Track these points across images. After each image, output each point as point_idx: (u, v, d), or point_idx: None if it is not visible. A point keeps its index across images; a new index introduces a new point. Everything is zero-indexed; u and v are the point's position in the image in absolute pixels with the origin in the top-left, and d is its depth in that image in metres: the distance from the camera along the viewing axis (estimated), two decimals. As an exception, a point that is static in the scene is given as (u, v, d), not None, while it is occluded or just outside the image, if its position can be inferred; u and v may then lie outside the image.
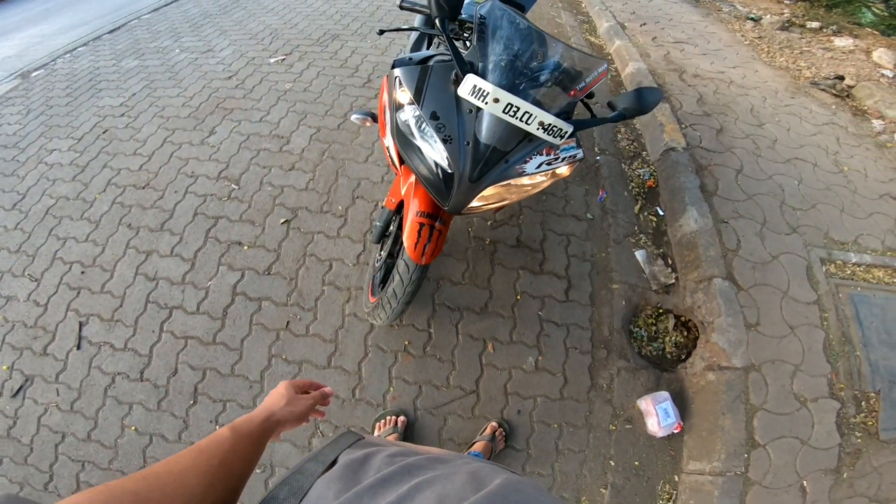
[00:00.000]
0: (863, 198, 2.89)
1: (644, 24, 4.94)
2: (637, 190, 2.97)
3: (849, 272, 2.48)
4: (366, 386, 2.06)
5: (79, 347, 2.18)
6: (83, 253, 2.54)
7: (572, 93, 1.47)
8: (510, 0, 2.61)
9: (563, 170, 1.53)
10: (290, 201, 2.74)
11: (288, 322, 2.22)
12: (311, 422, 1.87)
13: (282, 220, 2.63)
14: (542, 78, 1.42)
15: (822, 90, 4.11)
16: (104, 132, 3.43)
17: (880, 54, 4.98)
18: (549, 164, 1.48)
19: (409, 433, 1.96)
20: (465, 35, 1.99)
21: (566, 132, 1.37)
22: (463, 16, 1.74)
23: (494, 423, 1.95)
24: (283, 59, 4.19)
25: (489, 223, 2.65)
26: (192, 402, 2.03)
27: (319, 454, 0.68)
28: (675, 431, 1.97)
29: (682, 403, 2.08)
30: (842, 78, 4.29)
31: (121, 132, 3.40)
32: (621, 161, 3.19)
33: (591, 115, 1.68)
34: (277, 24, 4.99)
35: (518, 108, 1.30)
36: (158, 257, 2.48)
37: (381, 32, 1.92)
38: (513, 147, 1.42)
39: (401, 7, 1.88)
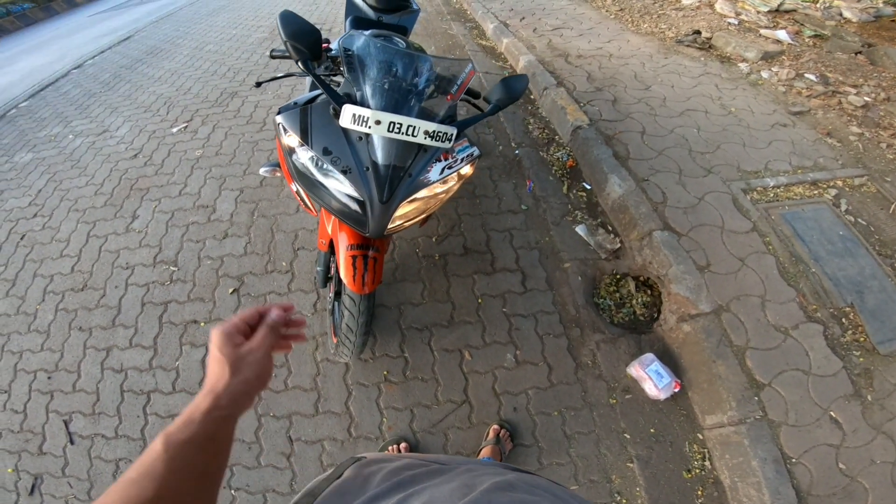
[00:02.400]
0: (757, 131, 2.91)
1: (523, 18, 4.93)
2: (560, 172, 2.87)
3: (771, 195, 2.45)
4: (359, 423, 1.88)
5: (72, 442, 2.00)
6: (43, 361, 2.27)
7: (449, 97, 1.45)
8: (391, 27, 2.51)
9: (466, 169, 1.49)
10: (233, 270, 2.46)
11: None
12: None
13: (230, 290, 2.36)
14: (418, 91, 1.38)
15: (688, 46, 4.21)
16: (22, 238, 2.96)
17: (721, 5, 5.23)
18: (450, 167, 1.43)
19: (434, 425, 1.86)
20: (341, 69, 1.88)
21: (451, 134, 1.33)
22: (333, 51, 1.64)
23: (496, 426, 1.79)
24: (186, 127, 3.81)
25: (434, 239, 2.48)
26: None
27: (328, 475, 0.60)
28: (676, 390, 1.83)
29: (671, 361, 1.94)
30: (699, 32, 4.43)
31: (39, 234, 2.95)
32: (538, 149, 3.09)
33: (480, 111, 1.62)
34: (169, 91, 4.56)
35: (401, 124, 1.26)
36: (119, 351, 2.22)
37: (259, 84, 1.81)
38: (411, 161, 1.36)
39: (271, 56, 1.74)
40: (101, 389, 2.11)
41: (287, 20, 1.36)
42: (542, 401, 1.89)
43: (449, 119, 1.45)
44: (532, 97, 3.69)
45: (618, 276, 2.27)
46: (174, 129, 3.79)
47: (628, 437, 1.80)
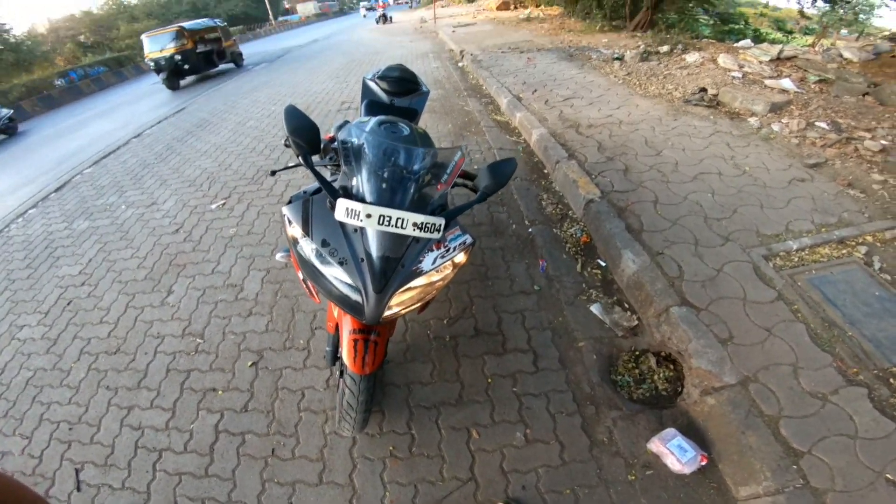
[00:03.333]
0: (774, 189, 2.78)
1: (535, 90, 5.04)
2: (574, 249, 2.79)
3: (796, 259, 2.28)
4: (361, 496, 1.79)
5: (79, 489, 2.02)
6: (68, 413, 2.36)
7: (439, 186, 1.47)
8: (403, 110, 2.60)
9: (460, 257, 1.48)
10: (253, 345, 2.49)
11: (273, 449, 1.99)
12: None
13: (249, 363, 2.38)
14: (410, 181, 1.40)
15: (696, 105, 4.17)
16: (68, 304, 3.14)
17: (724, 59, 5.22)
18: (442, 256, 1.44)
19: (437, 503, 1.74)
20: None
21: (440, 225, 1.35)
22: (335, 143, 1.68)
23: None
24: (224, 204, 4.00)
25: (445, 321, 2.43)
26: None
27: None
28: (703, 464, 1.65)
29: (696, 435, 1.77)
30: (705, 90, 4.40)
31: (84, 301, 3.12)
32: (552, 226, 3.03)
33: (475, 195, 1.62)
34: (212, 167, 4.84)
35: (390, 217, 1.29)
36: (140, 410, 2.27)
37: (273, 173, 1.87)
38: (403, 252, 1.37)
39: (285, 145, 1.79)
40: (116, 443, 2.15)
41: (290, 115, 1.44)
42: (553, 479, 1.74)
43: (440, 208, 1.47)
44: (545, 171, 3.70)
45: (637, 353, 2.13)
46: (213, 206, 3.99)
47: None
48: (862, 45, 5.16)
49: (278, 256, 2.10)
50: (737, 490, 1.62)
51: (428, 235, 1.33)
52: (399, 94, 2.66)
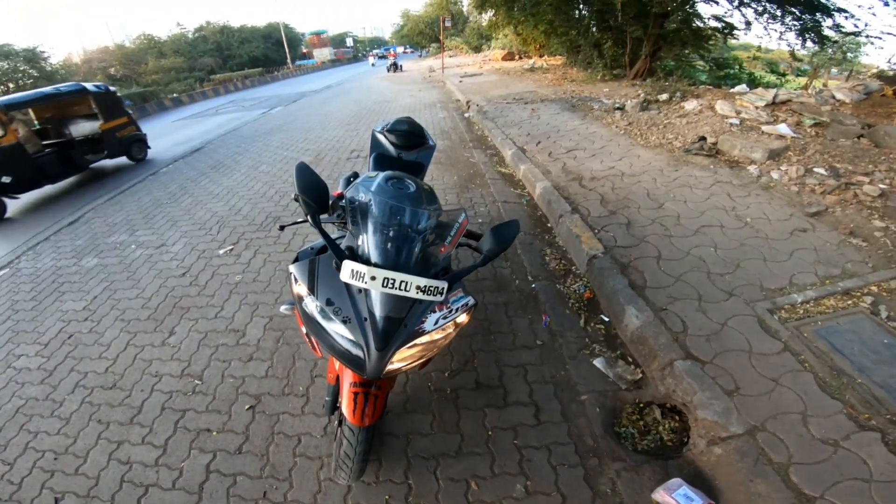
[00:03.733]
0: (776, 241, 2.81)
1: (539, 142, 5.19)
2: (577, 304, 2.81)
3: (801, 312, 2.29)
4: None
5: None
6: (55, 443, 2.33)
7: (443, 249, 1.53)
8: (409, 163, 2.71)
9: (462, 318, 1.52)
10: (252, 389, 2.47)
11: (265, 492, 1.95)
12: None
13: (247, 407, 2.36)
14: (414, 245, 1.46)
15: (696, 154, 4.24)
16: (69, 337, 3.14)
17: (721, 106, 5.33)
18: (445, 317, 1.48)
19: None
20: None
21: (443, 288, 1.39)
22: (343, 201, 1.75)
23: None
24: (231, 250, 4.06)
25: (446, 374, 2.43)
26: None
27: None
28: None
29: (703, 484, 1.73)
30: (704, 139, 4.46)
31: (85, 337, 3.13)
32: (555, 282, 3.06)
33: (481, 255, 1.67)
34: (223, 210, 4.94)
35: (394, 280, 1.32)
36: (130, 445, 2.24)
37: (282, 228, 1.93)
38: (406, 312, 1.41)
39: (295, 200, 1.88)
40: (101, 476, 2.11)
41: (301, 174, 1.52)
42: None
43: (443, 270, 1.52)
44: (549, 225, 3.76)
45: (641, 405, 2.11)
46: (221, 252, 4.06)
47: None
48: (853, 86, 5.30)
49: (282, 309, 2.16)
50: None
51: (430, 298, 1.37)
52: (406, 147, 2.77)
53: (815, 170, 3.58)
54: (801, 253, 2.68)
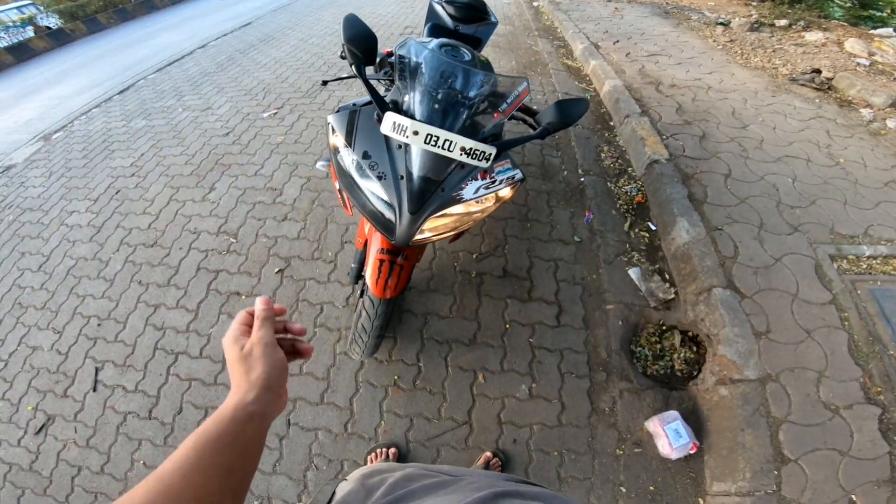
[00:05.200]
0: (866, 188, 2.54)
1: (617, 41, 4.70)
2: (626, 207, 2.68)
3: (864, 266, 2.11)
4: (357, 420, 1.89)
5: (95, 390, 2.16)
6: (99, 308, 2.50)
7: (496, 115, 1.40)
8: (467, 37, 2.50)
9: (505, 192, 1.43)
10: (283, 251, 2.59)
11: None
12: (308, 459, 1.79)
13: (276, 270, 2.49)
14: (465, 105, 1.35)
15: (803, 85, 3.79)
16: (117, 192, 3.37)
17: (852, 44, 4.67)
18: (486, 188, 1.39)
19: (428, 441, 1.84)
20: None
21: (490, 154, 1.29)
22: (393, 57, 1.61)
23: (489, 454, 1.72)
24: (276, 113, 4.08)
25: (474, 256, 2.42)
26: None
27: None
28: (691, 452, 1.66)
29: (696, 422, 1.76)
30: (819, 71, 3.97)
31: (131, 192, 3.34)
32: (607, 180, 2.91)
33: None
34: (270, 78, 4.93)
35: (438, 137, 1.24)
36: (165, 309, 2.42)
37: (325, 83, 1.83)
38: (445, 175, 1.33)
39: (341, 57, 1.76)
40: (137, 343, 2.29)
41: (349, 24, 1.41)
42: (544, 438, 1.79)
43: (493, 137, 1.40)
44: (611, 123, 3.51)
45: (664, 327, 2.08)
46: (265, 114, 4.08)
47: (624, 490, 1.66)
48: None
49: (319, 165, 2.11)
50: (711, 484, 1.65)
51: (475, 163, 1.29)
52: (465, 20, 2.55)
53: None
54: (889, 206, 2.41)
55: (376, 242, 1.55)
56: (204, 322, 2.31)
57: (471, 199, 1.36)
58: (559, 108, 1.41)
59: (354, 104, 1.65)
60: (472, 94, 1.37)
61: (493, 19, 2.67)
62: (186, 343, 2.24)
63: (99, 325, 2.42)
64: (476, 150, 1.26)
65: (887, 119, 3.26)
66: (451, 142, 1.24)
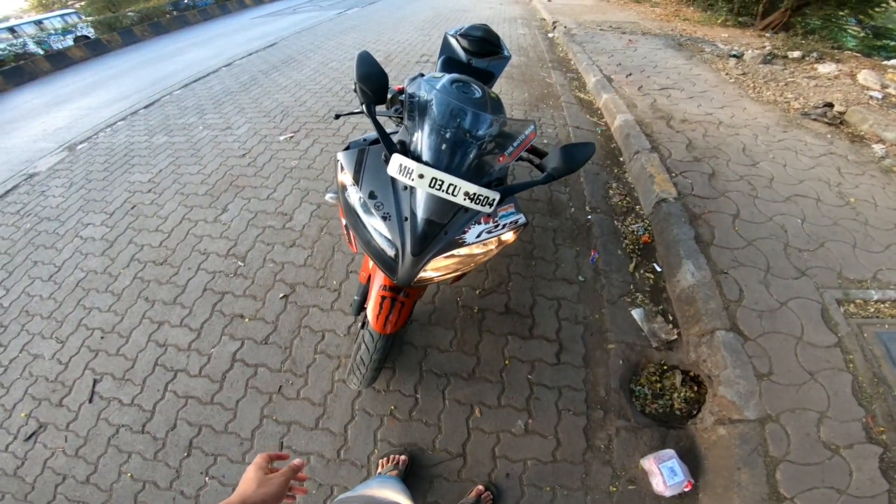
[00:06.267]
0: (876, 229, 2.54)
1: (630, 74, 4.79)
2: (632, 247, 2.70)
3: (872, 310, 2.10)
4: (351, 447, 1.91)
5: (90, 401, 2.20)
6: (104, 321, 2.57)
7: (501, 158, 1.43)
8: (479, 71, 2.57)
9: (508, 236, 1.45)
10: (289, 277, 2.66)
11: (280, 386, 2.14)
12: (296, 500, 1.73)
13: (281, 295, 2.55)
14: (471, 150, 1.37)
15: (814, 120, 3.80)
16: (132, 208, 3.49)
17: (865, 76, 4.67)
18: (489, 232, 1.41)
19: (410, 473, 1.83)
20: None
21: (493, 199, 1.32)
22: (403, 96, 1.66)
23: (481, 487, 1.72)
24: (292, 137, 4.23)
25: (477, 292, 2.47)
26: (186, 454, 1.97)
27: None
28: (686, 490, 1.66)
29: (693, 460, 1.77)
30: (831, 105, 3.99)
31: (147, 208, 3.46)
32: (614, 218, 2.95)
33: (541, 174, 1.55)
34: (288, 101, 5.12)
35: (443, 182, 1.27)
36: (169, 327, 2.49)
37: (338, 116, 1.90)
38: (449, 219, 1.36)
39: (355, 91, 1.80)
40: (138, 358, 2.36)
41: (361, 62, 1.44)
42: (538, 473, 1.80)
43: (497, 182, 1.44)
44: (621, 160, 3.56)
45: (664, 367, 2.09)
46: (281, 137, 4.23)
47: None
48: None
49: (328, 197, 2.15)
50: None
51: (479, 207, 1.31)
52: (478, 54, 2.63)
53: None
54: (898, 249, 2.41)
55: (379, 279, 1.58)
56: (206, 342, 2.37)
57: (474, 243, 1.38)
58: (565, 152, 1.43)
59: (365, 139, 1.71)
60: (479, 134, 1.40)
61: (506, 53, 2.75)
62: (187, 361, 2.30)
63: (102, 337, 2.49)
64: (480, 195, 1.29)
65: (900, 155, 3.25)
66: (456, 186, 1.27)
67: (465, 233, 1.38)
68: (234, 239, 2.98)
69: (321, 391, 2.10)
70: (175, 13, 14.74)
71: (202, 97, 5.70)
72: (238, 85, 5.98)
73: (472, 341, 2.22)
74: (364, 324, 1.77)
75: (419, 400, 2.03)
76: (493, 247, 1.45)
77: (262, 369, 2.21)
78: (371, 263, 1.68)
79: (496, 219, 1.43)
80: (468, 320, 2.32)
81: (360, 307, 1.96)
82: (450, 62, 2.65)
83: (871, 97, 4.20)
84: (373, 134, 1.73)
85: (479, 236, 1.39)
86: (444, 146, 1.35)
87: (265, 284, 2.62)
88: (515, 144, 1.44)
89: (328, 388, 2.10)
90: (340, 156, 1.51)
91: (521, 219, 1.47)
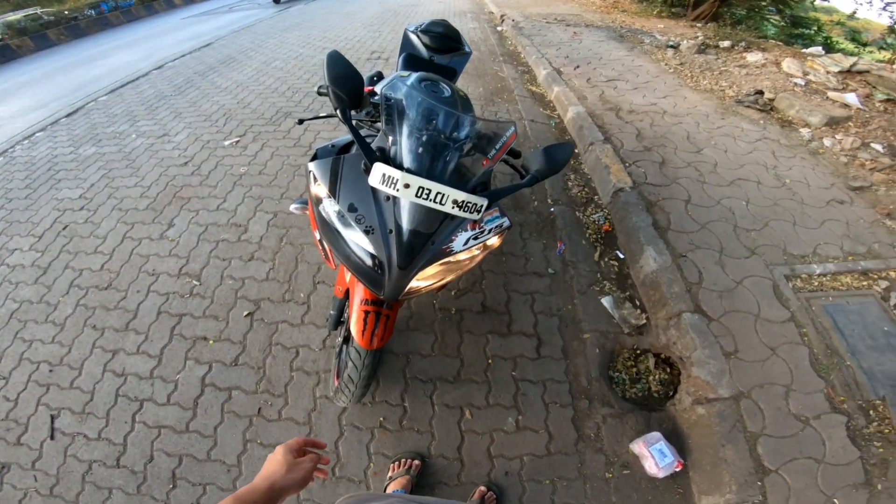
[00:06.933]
0: (811, 207, 2.78)
1: (577, 66, 4.95)
2: (594, 236, 2.80)
3: (816, 284, 2.31)
4: (345, 464, 1.86)
5: (52, 438, 2.05)
6: (50, 353, 2.37)
7: (485, 162, 1.39)
8: (441, 67, 2.56)
9: (493, 241, 1.43)
10: (251, 293, 2.53)
11: (260, 408, 2.05)
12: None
13: (245, 313, 2.43)
14: (453, 154, 1.33)
15: (748, 107, 4.10)
16: (64, 228, 3.19)
17: (788, 64, 5.08)
18: (476, 238, 1.38)
19: (422, 477, 1.81)
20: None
21: (481, 206, 1.28)
22: (376, 97, 1.59)
23: (483, 488, 1.74)
24: (238, 142, 4.04)
25: (453, 293, 2.47)
26: (171, 486, 1.86)
27: None
28: (677, 470, 1.75)
29: (678, 441, 1.86)
30: (762, 93, 4.31)
31: (81, 228, 3.16)
32: (575, 209, 3.04)
33: (520, 177, 1.54)
34: (231, 103, 4.88)
35: (430, 191, 1.21)
36: (125, 355, 2.31)
37: (301, 122, 1.78)
38: (436, 228, 1.31)
39: (318, 93, 1.73)
40: (96, 390, 2.18)
41: (333, 63, 1.35)
42: (535, 468, 1.83)
43: (482, 186, 1.40)
44: (576, 151, 3.66)
45: (638, 352, 2.19)
46: (226, 143, 4.03)
47: None
48: None
49: (293, 208, 2.03)
50: (700, 499, 1.73)
51: (465, 215, 1.27)
52: (440, 50, 2.62)
53: (872, 145, 3.46)
54: (833, 224, 2.65)
55: (359, 293, 1.51)
56: (169, 368, 2.23)
57: (461, 251, 1.35)
58: (547, 154, 1.43)
59: (333, 145, 1.62)
60: (461, 137, 1.36)
61: (466, 49, 2.75)
62: (151, 390, 2.15)
63: (51, 371, 2.29)
64: (468, 202, 1.25)
65: (824, 138, 3.57)
66: (444, 195, 1.22)
67: (451, 241, 1.34)
68: (184, 256, 2.80)
69: (304, 409, 2.03)
70: (95, 15, 13.55)
71: (132, 103, 5.30)
72: (172, 88, 5.62)
73: (454, 343, 2.23)
74: (347, 339, 1.70)
75: (407, 408, 2.01)
76: (478, 252, 1.43)
77: (236, 392, 2.10)
78: (348, 277, 1.61)
79: (482, 224, 1.40)
80: (447, 322, 2.32)
81: (337, 322, 1.90)
82: (411, 59, 2.62)
83: (795, 84, 4.58)
84: (342, 139, 1.64)
85: (466, 243, 1.36)
86: (427, 152, 1.30)
87: (226, 303, 2.48)
88: (498, 147, 1.39)
89: (310, 405, 2.04)
90: (312, 166, 1.41)
91: (506, 222, 1.46)
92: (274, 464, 0.75)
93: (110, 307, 2.54)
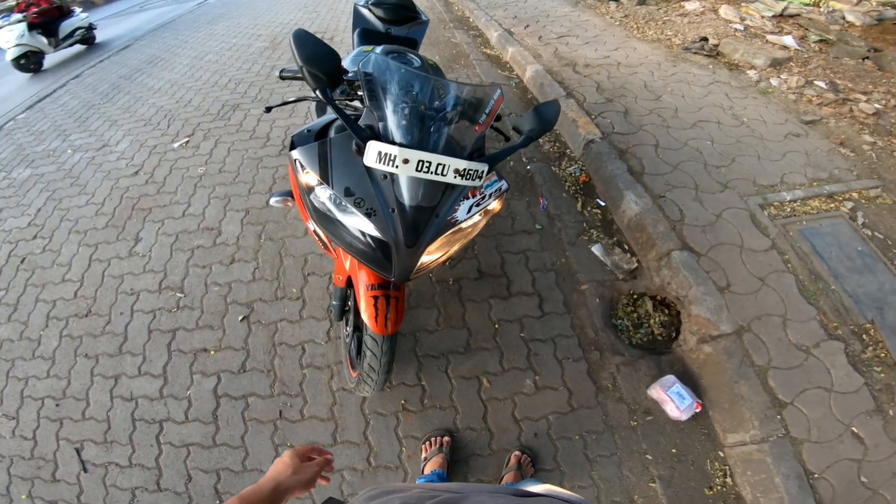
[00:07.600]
0: (771, 142, 2.92)
1: (527, 25, 4.94)
2: (574, 188, 2.86)
3: (788, 210, 2.45)
4: (378, 453, 1.87)
5: (85, 471, 1.99)
6: (50, 388, 2.26)
7: (477, 128, 1.35)
8: (400, 39, 2.49)
9: (494, 205, 1.43)
10: (241, 296, 2.45)
11: (280, 411, 2.02)
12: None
13: (240, 318, 2.35)
14: (445, 122, 1.28)
15: (695, 53, 4.22)
16: (22, 261, 2.94)
17: (725, 10, 5.27)
18: (478, 204, 1.37)
19: (454, 452, 1.84)
20: (359, 94, 1.69)
21: (483, 171, 1.26)
22: (349, 74, 1.49)
23: (517, 452, 1.78)
24: (187, 142, 3.82)
25: (448, 263, 2.46)
26: (217, 501, 1.85)
27: None
28: (697, 410, 1.84)
29: (691, 381, 1.94)
30: (706, 39, 4.45)
31: (40, 258, 2.93)
32: (550, 164, 3.08)
33: (504, 139, 1.55)
34: (169, 104, 4.60)
35: (430, 163, 1.17)
36: (128, 379, 2.22)
37: (269, 110, 1.70)
38: (438, 200, 1.28)
39: (281, 77, 1.65)
40: (111, 417, 2.10)
41: (302, 42, 1.27)
42: (562, 425, 1.89)
43: (477, 152, 1.37)
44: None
45: (635, 296, 2.28)
46: (175, 145, 3.81)
47: (650, 457, 1.80)
48: (866, 11, 5.30)
49: (272, 202, 1.92)
50: (725, 437, 1.82)
51: (469, 183, 1.25)
52: (396, 22, 2.54)
53: (816, 83, 3.68)
54: (793, 155, 2.80)
55: (363, 279, 1.47)
56: (177, 385, 2.15)
57: (465, 220, 1.33)
58: (537, 113, 1.43)
59: (308, 129, 1.53)
60: (448, 107, 1.30)
61: (423, 18, 2.68)
62: (167, 410, 2.08)
63: (57, 405, 2.18)
64: (470, 170, 1.22)
65: (770, 78, 3.76)
66: (445, 165, 1.18)
67: (455, 211, 1.31)
68: (161, 270, 2.66)
69: (324, 405, 2.01)
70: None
71: (57, 116, 4.89)
72: (98, 96, 5.20)
73: (458, 314, 2.24)
74: (356, 329, 1.67)
75: (426, 387, 2.02)
76: (481, 218, 1.42)
77: (252, 399, 2.06)
78: (347, 264, 1.56)
79: (482, 190, 1.38)
80: (447, 294, 2.33)
81: (342, 312, 1.87)
82: (367, 34, 2.52)
83: (735, 29, 4.76)
84: (317, 122, 1.55)
85: (469, 211, 1.34)
86: (418, 124, 1.24)
87: (217, 311, 2.39)
88: (487, 111, 1.35)
89: (330, 399, 2.02)
90: (297, 153, 1.33)
91: (504, 185, 1.45)
92: (280, 465, 0.78)
93: (97, 334, 2.41)
